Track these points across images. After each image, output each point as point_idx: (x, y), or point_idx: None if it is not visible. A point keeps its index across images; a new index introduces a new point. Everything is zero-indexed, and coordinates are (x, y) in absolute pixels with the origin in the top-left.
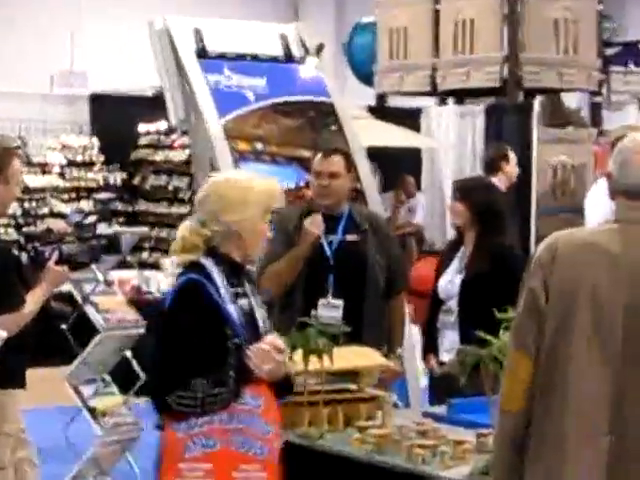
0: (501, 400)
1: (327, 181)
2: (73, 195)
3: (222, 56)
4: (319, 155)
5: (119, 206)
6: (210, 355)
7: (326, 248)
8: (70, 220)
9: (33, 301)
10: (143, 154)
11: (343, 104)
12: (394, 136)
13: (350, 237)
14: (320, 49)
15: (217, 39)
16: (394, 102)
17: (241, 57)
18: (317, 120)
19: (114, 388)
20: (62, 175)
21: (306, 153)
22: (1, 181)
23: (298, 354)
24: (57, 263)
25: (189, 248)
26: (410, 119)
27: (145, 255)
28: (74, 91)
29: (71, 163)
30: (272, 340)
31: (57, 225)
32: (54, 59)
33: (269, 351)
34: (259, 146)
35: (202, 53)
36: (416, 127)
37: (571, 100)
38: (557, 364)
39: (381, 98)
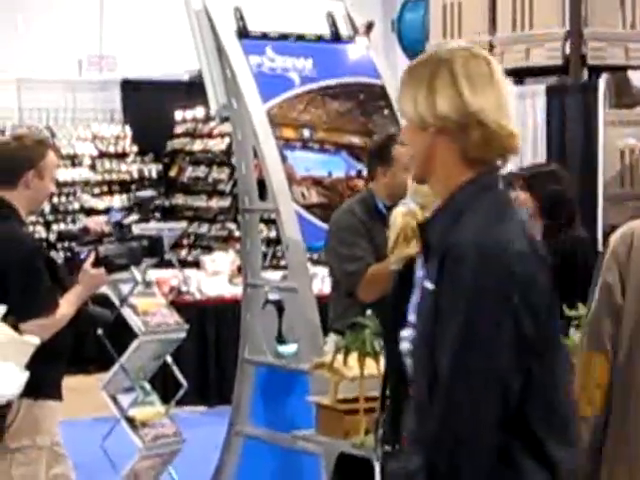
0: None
1: None
2: (105, 189)
3: (264, 36)
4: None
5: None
6: None
7: None
8: (110, 219)
9: (67, 305)
10: (179, 144)
11: (395, 86)
12: None
13: None
14: (370, 27)
15: (259, 18)
16: None
17: (285, 37)
18: (368, 104)
19: (154, 397)
20: (93, 167)
21: (356, 140)
22: (35, 175)
23: (353, 357)
24: (94, 265)
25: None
26: None
27: (184, 253)
28: (104, 76)
29: (103, 154)
30: None
31: (91, 223)
32: (82, 42)
33: None
34: (306, 133)
35: (243, 33)
36: None
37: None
38: (636, 364)
39: None
